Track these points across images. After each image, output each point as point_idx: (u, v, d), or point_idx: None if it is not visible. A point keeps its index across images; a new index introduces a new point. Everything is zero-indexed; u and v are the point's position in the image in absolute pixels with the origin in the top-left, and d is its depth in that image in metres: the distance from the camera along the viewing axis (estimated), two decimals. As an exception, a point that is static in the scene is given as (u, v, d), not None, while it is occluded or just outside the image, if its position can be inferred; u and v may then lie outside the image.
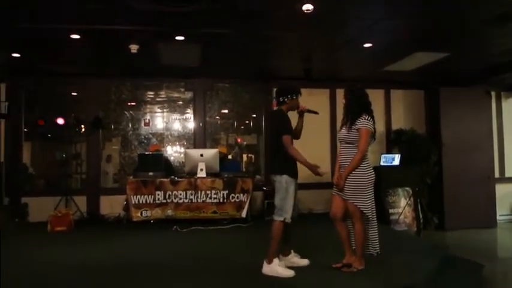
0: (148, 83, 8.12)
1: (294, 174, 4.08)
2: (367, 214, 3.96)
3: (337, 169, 4.12)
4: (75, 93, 8.06)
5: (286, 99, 4.23)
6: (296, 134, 4.35)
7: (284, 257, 4.23)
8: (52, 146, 7.91)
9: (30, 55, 6.44)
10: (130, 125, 8.08)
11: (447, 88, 8.20)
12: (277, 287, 3.76)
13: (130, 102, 8.14)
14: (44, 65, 7.07)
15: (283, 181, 4.03)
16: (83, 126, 7.66)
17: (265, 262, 4.01)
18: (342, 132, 4.08)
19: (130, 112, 8.11)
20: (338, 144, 4.30)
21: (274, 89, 4.71)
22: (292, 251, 4.32)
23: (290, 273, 3.96)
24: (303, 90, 8.09)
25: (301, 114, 4.40)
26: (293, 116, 4.37)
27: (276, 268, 3.96)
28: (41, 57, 6.63)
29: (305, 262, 4.29)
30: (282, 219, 3.98)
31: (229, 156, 8.03)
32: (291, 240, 4.28)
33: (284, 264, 4.07)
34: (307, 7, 4.52)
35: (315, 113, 4.49)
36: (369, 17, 5.00)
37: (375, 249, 4.06)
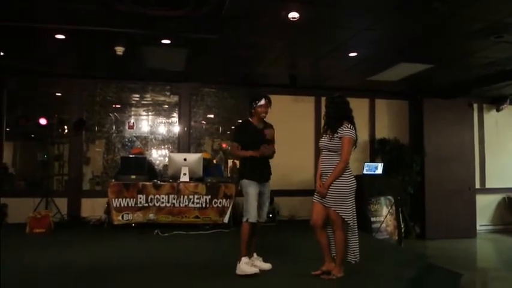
0: (134, 85, 8.07)
1: (251, 177, 4.23)
2: (349, 222, 3.98)
3: (319, 177, 4.13)
4: (59, 94, 7.97)
5: (252, 110, 4.36)
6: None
7: None
8: (34, 146, 7.77)
9: (13, 54, 6.35)
10: (114, 128, 8.01)
11: (430, 99, 8.32)
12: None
13: (115, 104, 8.07)
14: (28, 65, 6.97)
15: (242, 185, 4.27)
16: (66, 127, 7.59)
17: (238, 262, 4.13)
18: (324, 140, 4.09)
19: (115, 114, 8.04)
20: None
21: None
22: (254, 253, 4.34)
23: (253, 270, 4.07)
24: (288, 98, 8.13)
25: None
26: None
27: (242, 266, 4.08)
28: (24, 57, 6.55)
29: (267, 266, 4.32)
30: (245, 219, 4.16)
31: (214, 161, 8.01)
32: (254, 243, 4.34)
33: (251, 263, 4.16)
34: (294, 15, 4.56)
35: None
36: (354, 26, 5.06)
37: (355, 257, 4.07)
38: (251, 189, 4.19)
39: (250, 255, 4.25)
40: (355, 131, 4.04)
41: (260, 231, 4.40)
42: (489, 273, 6.12)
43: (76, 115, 7.66)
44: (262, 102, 4.30)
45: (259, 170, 4.27)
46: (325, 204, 4.01)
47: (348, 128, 3.99)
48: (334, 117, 4.05)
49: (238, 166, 4.53)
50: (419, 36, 5.38)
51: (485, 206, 8.98)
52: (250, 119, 4.41)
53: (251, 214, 4.14)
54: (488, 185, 9.08)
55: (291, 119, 8.03)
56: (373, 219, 7.59)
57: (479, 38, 5.25)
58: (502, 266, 6.72)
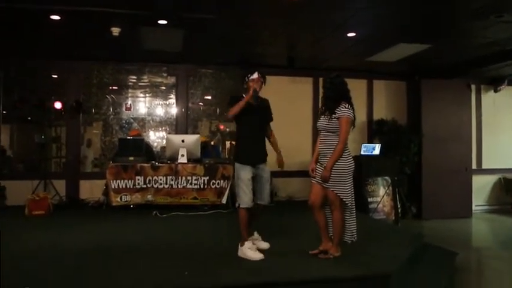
0: (131, 67, 8.02)
1: (242, 160, 4.16)
2: (347, 202, 4.01)
3: (315, 157, 4.14)
4: (55, 76, 7.91)
5: (245, 85, 4.30)
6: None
7: None
8: (31, 129, 7.74)
9: (9, 36, 6.27)
10: (111, 110, 7.99)
11: (428, 80, 8.30)
12: (251, 271, 3.78)
13: (112, 86, 8.03)
14: (23, 47, 6.91)
15: (234, 168, 4.20)
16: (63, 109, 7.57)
17: (239, 245, 4.14)
18: (322, 121, 4.09)
19: (112, 96, 8.01)
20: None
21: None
22: (255, 232, 4.36)
23: (258, 256, 4.04)
24: (286, 79, 8.07)
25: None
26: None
27: (246, 251, 4.07)
28: (19, 39, 6.46)
29: (265, 245, 4.34)
30: (237, 205, 4.16)
31: (212, 143, 8.02)
32: (253, 223, 4.33)
33: (255, 248, 4.15)
34: (292, -6, 4.51)
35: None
36: (352, 6, 5.01)
37: (353, 237, 4.12)
38: (243, 173, 4.11)
39: (250, 235, 4.27)
40: (353, 111, 4.03)
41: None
42: (484, 252, 6.20)
43: (73, 97, 7.62)
44: (255, 76, 4.22)
45: (252, 151, 4.19)
46: (323, 184, 4.03)
47: (345, 108, 3.97)
48: (332, 98, 4.03)
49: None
50: (419, 16, 5.34)
51: (482, 187, 9.06)
52: (244, 95, 4.29)
53: (242, 200, 4.09)
54: (484, 166, 9.14)
55: (288, 100, 8.02)
56: (370, 199, 7.65)
57: (479, 17, 5.21)
58: (497, 245, 6.79)
